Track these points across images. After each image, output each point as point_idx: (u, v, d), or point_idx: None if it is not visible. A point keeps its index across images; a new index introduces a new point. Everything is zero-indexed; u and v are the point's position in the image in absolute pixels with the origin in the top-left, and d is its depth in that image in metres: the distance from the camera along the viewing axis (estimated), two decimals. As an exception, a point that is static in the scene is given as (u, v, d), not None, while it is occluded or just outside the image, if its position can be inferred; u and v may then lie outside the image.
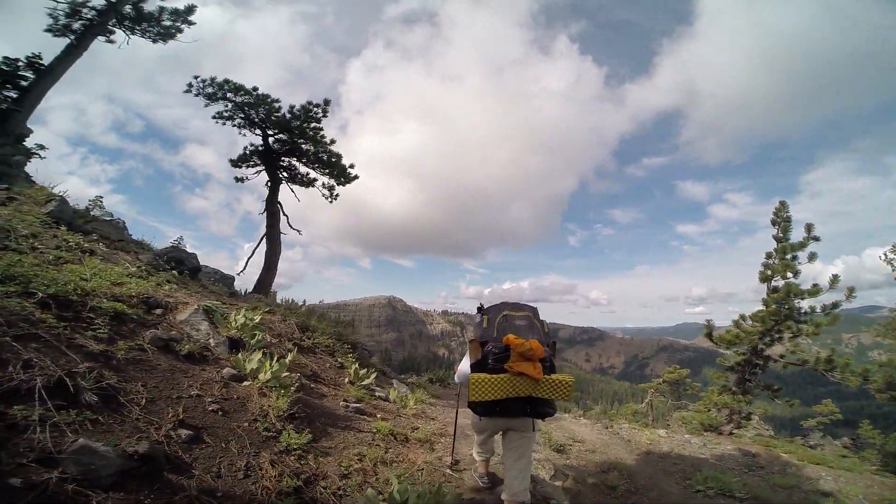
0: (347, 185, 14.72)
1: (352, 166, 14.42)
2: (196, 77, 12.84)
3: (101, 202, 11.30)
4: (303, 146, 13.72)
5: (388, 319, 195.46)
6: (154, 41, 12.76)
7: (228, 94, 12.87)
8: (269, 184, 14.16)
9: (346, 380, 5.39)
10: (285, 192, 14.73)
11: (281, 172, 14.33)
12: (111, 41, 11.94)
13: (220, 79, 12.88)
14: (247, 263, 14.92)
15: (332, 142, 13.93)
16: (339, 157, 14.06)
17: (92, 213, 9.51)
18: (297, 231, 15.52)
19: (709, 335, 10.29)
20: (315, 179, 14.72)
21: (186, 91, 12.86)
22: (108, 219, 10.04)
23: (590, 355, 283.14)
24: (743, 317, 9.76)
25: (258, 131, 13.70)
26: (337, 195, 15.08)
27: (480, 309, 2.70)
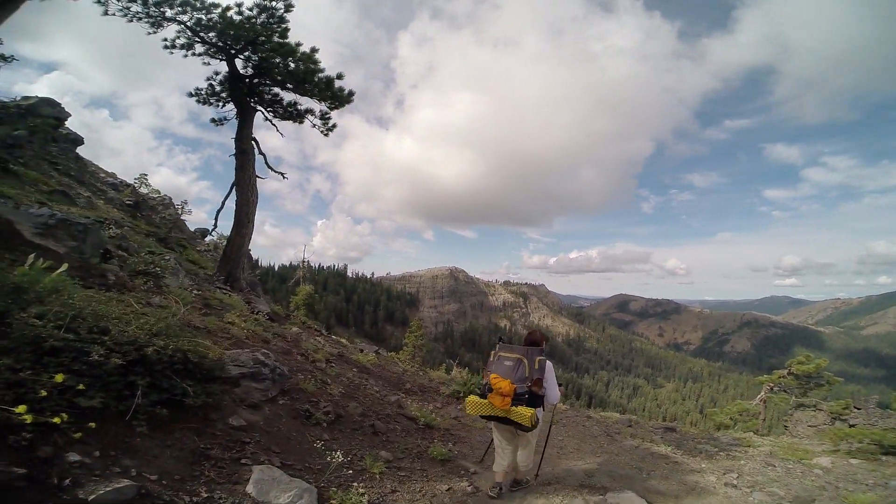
0: (342, 109, 12.36)
1: (339, 76, 11.61)
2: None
3: (146, 179, 15.23)
4: (273, 60, 11.07)
5: (451, 290, 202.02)
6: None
7: (176, 12, 10.48)
8: (238, 116, 11.83)
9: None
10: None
11: (255, 102, 11.97)
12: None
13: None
14: (217, 219, 13.50)
15: (315, 50, 11.29)
16: (314, 62, 11.23)
17: (139, 190, 12.75)
18: (281, 174, 13.64)
19: None
20: (307, 111, 12.40)
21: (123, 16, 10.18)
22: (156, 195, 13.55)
23: (663, 329, 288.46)
24: None
25: (221, 56, 11.24)
26: (333, 126, 12.72)
27: (500, 340, 4.01)
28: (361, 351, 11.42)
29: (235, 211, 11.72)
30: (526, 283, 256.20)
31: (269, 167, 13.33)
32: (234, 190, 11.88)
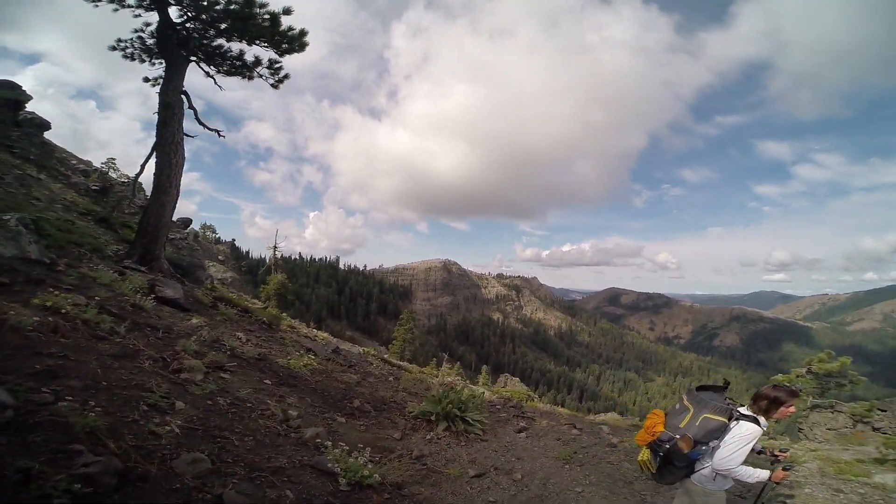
0: (298, 55, 11.07)
1: (287, 11, 10.19)
2: None
3: (115, 164, 15.27)
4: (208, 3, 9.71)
5: (444, 283, 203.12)
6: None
7: None
8: (166, 68, 10.45)
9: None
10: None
11: (189, 51, 10.56)
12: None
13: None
14: (135, 186, 12.51)
15: None
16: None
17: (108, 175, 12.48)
18: (216, 132, 12.34)
19: None
20: (255, 62, 11.14)
21: None
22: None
23: (654, 323, 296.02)
24: None
25: (153, 3, 10.01)
26: (285, 77, 11.48)
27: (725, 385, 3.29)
28: (310, 352, 8.77)
29: (154, 174, 10.17)
30: (519, 276, 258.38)
31: (201, 123, 11.85)
32: (154, 151, 10.35)
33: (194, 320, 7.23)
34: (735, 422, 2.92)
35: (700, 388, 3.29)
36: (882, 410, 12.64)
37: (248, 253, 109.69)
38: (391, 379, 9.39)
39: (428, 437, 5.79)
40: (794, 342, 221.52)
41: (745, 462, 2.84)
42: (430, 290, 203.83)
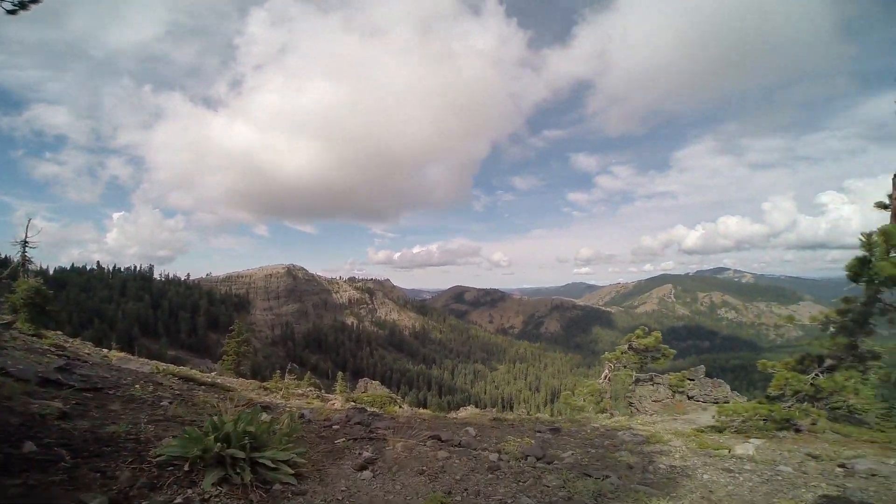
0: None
1: None
2: None
3: None
4: None
5: (289, 290, 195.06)
6: None
7: None
8: None
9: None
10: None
11: None
12: None
13: None
14: None
15: None
16: None
17: None
18: None
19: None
20: None
21: None
22: None
23: (493, 316, 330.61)
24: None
25: None
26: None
27: None
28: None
29: None
30: (371, 279, 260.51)
31: None
32: None
33: None
34: None
35: None
36: (691, 380, 14.87)
37: (5, 259, 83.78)
38: (166, 404, 6.21)
39: (180, 499, 3.36)
40: (599, 325, 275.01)
41: None
42: (273, 298, 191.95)
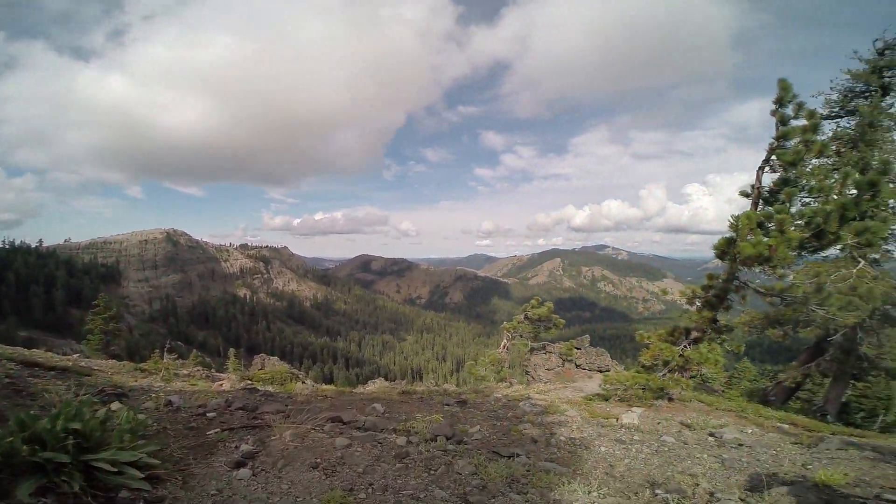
0: None
1: None
2: None
3: None
4: None
5: (168, 258, 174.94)
6: None
7: None
8: None
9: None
10: None
11: None
12: None
13: None
14: None
15: None
16: None
17: None
18: None
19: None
20: None
21: None
22: None
23: (400, 286, 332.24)
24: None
25: None
26: None
27: None
28: None
29: None
30: (267, 246, 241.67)
31: None
32: None
33: None
34: None
35: None
36: (578, 349, 15.56)
37: None
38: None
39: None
40: (498, 296, 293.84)
41: None
42: (149, 267, 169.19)
